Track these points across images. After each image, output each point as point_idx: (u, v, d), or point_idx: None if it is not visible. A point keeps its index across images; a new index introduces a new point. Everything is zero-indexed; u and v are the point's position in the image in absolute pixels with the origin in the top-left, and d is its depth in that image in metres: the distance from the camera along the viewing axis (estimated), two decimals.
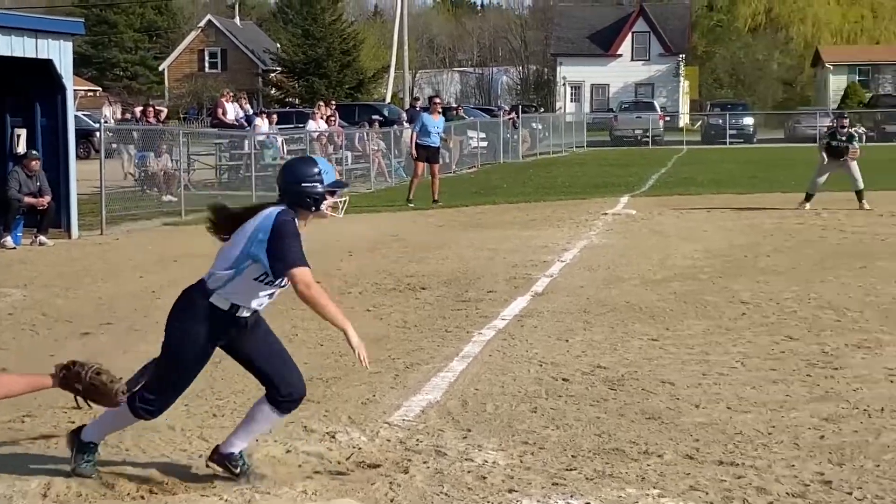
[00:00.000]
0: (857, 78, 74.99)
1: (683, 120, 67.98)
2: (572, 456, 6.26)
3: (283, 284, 5.63)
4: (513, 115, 46.09)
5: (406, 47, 57.83)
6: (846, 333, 9.46)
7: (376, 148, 31.13)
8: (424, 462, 6.14)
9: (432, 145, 23.28)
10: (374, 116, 36.68)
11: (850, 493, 5.60)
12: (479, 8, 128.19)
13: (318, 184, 5.64)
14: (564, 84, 79.35)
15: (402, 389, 7.80)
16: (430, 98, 26.72)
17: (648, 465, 6.08)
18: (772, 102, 76.94)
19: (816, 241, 15.93)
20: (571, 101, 78.15)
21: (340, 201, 5.76)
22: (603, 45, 79.73)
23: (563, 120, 55.71)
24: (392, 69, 59.28)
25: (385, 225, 19.38)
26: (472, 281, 12.73)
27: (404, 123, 33.03)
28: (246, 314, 5.65)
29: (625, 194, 24.70)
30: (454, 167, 34.79)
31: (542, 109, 70.20)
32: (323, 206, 5.68)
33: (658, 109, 62.02)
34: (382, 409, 7.29)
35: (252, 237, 5.51)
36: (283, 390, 5.71)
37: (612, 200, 23.15)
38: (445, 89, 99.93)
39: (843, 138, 20.21)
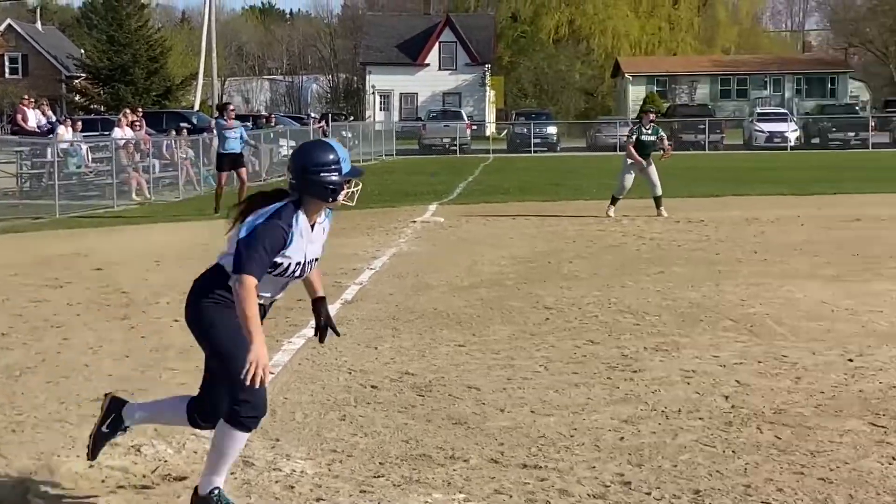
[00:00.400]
0: (656, 88, 77.32)
1: (490, 129, 68.92)
2: (380, 463, 6.31)
3: (297, 276, 5.40)
4: (322, 123, 46.04)
5: (214, 54, 57.16)
6: (645, 337, 9.75)
7: (185, 156, 30.71)
8: (232, 473, 6.10)
9: (234, 152, 22.98)
10: (183, 124, 36.19)
11: (649, 494, 5.78)
12: (288, 16, 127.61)
13: (335, 173, 5.26)
14: (374, 93, 79.60)
15: None
16: (224, 105, 26.13)
17: (454, 470, 6.17)
18: (574, 112, 78.60)
19: (617, 248, 16.36)
20: (381, 110, 78.45)
21: (356, 190, 5.42)
22: (411, 54, 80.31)
23: (372, 128, 55.98)
24: (200, 76, 58.54)
25: (194, 234, 19.13)
26: None
27: (213, 131, 32.67)
28: (260, 301, 5.28)
29: (433, 202, 24.92)
30: (265, 175, 34.56)
31: (352, 118, 70.36)
32: (340, 197, 5.35)
33: (465, 118, 62.81)
34: None
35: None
36: (241, 401, 5.25)
37: (420, 208, 23.33)
38: (255, 97, 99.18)
39: (650, 131, 20.74)
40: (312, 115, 62.54)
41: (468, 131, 60.25)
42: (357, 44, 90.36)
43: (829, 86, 79.58)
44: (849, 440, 6.62)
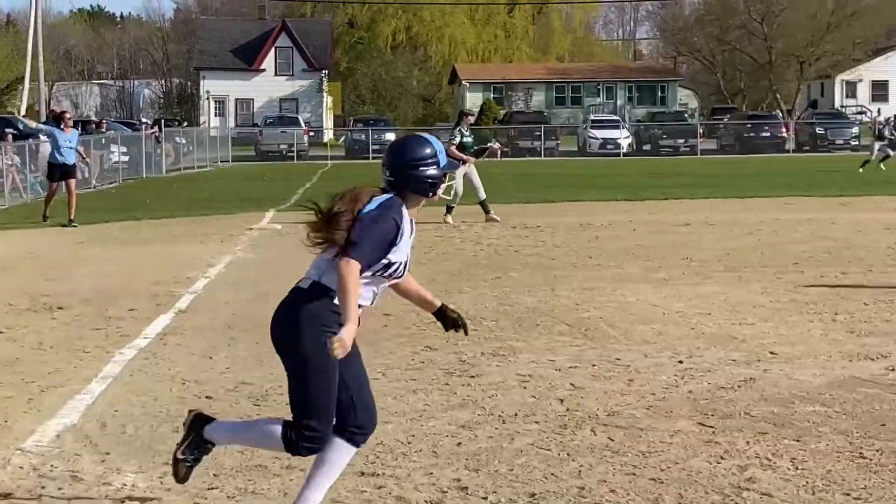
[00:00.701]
0: (492, 95, 78.11)
1: (328, 135, 68.74)
2: (214, 475, 6.21)
3: (398, 276, 5.16)
4: (155, 129, 45.31)
5: (41, 58, 55.73)
6: (482, 342, 9.81)
7: (10, 162, 29.85)
8: (60, 489, 5.94)
9: (67, 163, 22.33)
10: (8, 130, 35.16)
11: (486, 498, 5.81)
12: (118, 19, 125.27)
13: (433, 166, 5.12)
14: (208, 98, 78.66)
15: (37, 414, 7.52)
16: (61, 113, 25.26)
17: (291, 479, 6.11)
18: (413, 118, 78.96)
19: (454, 253, 16.44)
20: (216, 116, 77.57)
21: (450, 184, 5.28)
22: (246, 59, 79.61)
23: (207, 134, 55.25)
24: (27, 81, 56.98)
25: (21, 242, 18.63)
26: (113, 299, 12.41)
27: (41, 137, 31.81)
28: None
29: (270, 209, 24.70)
30: (95, 182, 33.83)
31: (186, 123, 69.38)
32: (439, 191, 5.21)
33: (302, 124, 62.53)
34: (15, 435, 7.00)
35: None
36: (360, 418, 5.20)
37: (257, 215, 23.09)
38: (85, 102, 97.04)
39: (468, 133, 21.01)
40: (145, 120, 61.54)
41: (306, 137, 60.01)
42: (191, 48, 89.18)
43: (660, 93, 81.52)
44: (679, 440, 6.75)
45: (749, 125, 59.66)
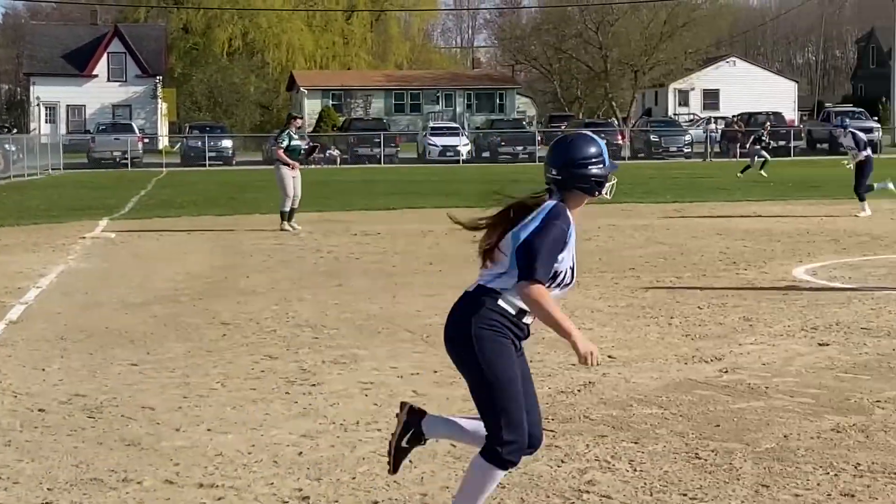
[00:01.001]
0: (331, 102, 77.88)
1: (163, 142, 67.65)
2: (48, 489, 6.04)
3: (567, 284, 5.10)
4: None
5: None
6: (324, 350, 9.74)
7: None
8: None
9: None
10: None
11: None
12: None
13: (599, 165, 5.06)
14: (38, 104, 76.70)
15: None
16: None
17: (127, 492, 5.97)
18: (250, 125, 78.18)
19: (294, 261, 16.32)
20: (47, 122, 75.62)
21: (614, 183, 5.14)
22: (78, 65, 77.81)
23: (37, 141, 53.84)
24: None
25: None
26: None
27: None
28: (528, 320, 5.05)
29: (104, 217, 24.19)
30: None
31: (16, 130, 67.58)
32: (604, 190, 5.11)
33: (136, 131, 61.41)
34: None
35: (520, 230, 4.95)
36: (532, 430, 5.06)
37: (90, 224, 22.58)
38: None
39: (296, 136, 20.97)
40: None
41: (140, 144, 58.95)
42: (20, 53, 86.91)
43: (498, 101, 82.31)
44: None
45: None
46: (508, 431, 4.93)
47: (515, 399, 4.95)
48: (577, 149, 5.09)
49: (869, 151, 22.72)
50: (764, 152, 38.79)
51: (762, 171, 37.31)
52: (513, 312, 5.00)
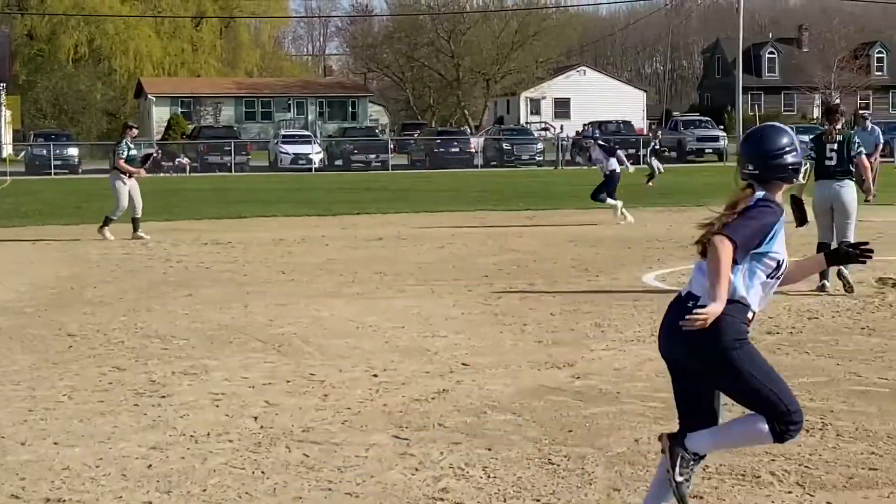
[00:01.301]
0: (180, 109, 76.88)
1: (6, 150, 65.95)
2: None
3: (782, 273, 5.13)
4: None
5: None
6: (173, 361, 9.58)
7: None
8: None
9: None
10: None
11: None
12: None
13: (793, 153, 5.16)
14: None
15: None
16: None
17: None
18: (97, 133, 76.65)
19: (143, 271, 16.03)
20: None
21: (807, 166, 5.06)
22: None
23: None
24: None
25: None
26: None
27: None
28: (750, 315, 5.07)
29: None
30: None
31: None
32: (800, 176, 5.22)
33: None
34: None
35: None
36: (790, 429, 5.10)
37: None
38: None
39: (133, 146, 20.88)
40: None
41: None
42: None
43: (351, 109, 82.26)
44: (374, 454, 6.77)
45: (438, 140, 60.90)
46: (781, 405, 5.04)
47: (768, 373, 5.07)
48: (770, 141, 5.23)
49: (617, 164, 22.99)
50: (656, 161, 39.10)
51: (650, 182, 37.67)
52: (750, 317, 5.12)
